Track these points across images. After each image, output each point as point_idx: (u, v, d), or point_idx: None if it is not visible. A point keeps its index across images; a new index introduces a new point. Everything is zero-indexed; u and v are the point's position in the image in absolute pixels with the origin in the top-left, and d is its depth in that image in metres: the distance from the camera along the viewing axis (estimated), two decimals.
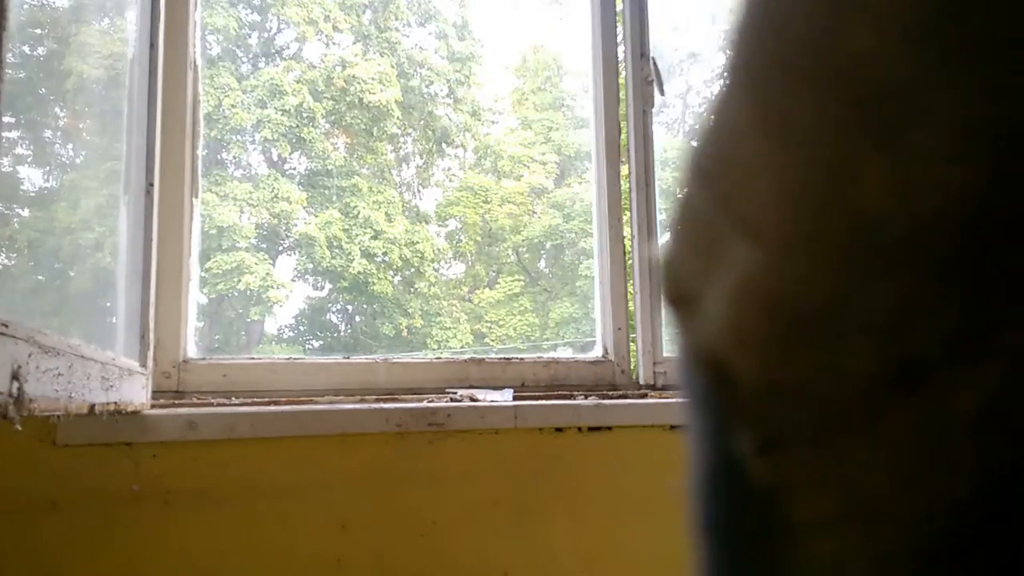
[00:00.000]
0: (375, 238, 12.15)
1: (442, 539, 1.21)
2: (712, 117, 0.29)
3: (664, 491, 1.34)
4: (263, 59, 13.39)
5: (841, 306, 0.24)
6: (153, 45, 1.17)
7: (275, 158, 12.75)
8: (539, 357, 1.49)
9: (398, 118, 13.01)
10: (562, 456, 1.29)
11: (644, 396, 1.44)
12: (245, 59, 13.42)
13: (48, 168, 1.07)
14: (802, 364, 0.25)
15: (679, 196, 0.30)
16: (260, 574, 1.14)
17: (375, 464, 1.20)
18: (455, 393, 1.35)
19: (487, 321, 12.93)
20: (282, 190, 11.96)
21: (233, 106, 12.03)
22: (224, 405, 1.23)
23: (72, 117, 1.10)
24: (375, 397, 1.32)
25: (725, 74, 0.28)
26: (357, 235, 12.08)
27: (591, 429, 1.31)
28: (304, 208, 12.32)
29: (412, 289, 12.78)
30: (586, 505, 1.29)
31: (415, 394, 1.36)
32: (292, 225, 12.37)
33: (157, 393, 1.22)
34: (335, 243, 11.98)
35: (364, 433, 1.20)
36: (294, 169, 12.95)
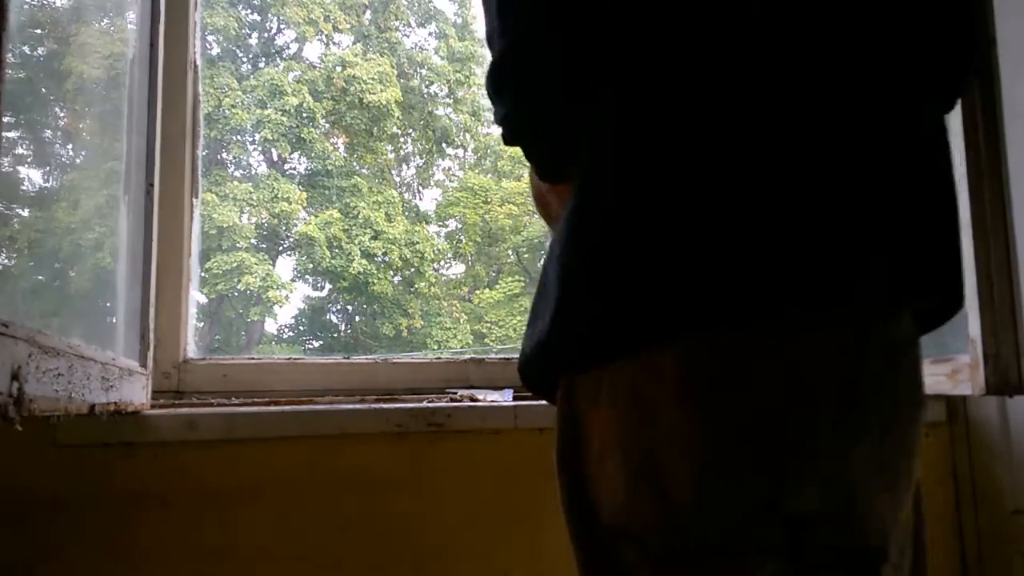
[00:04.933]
0: (375, 238, 12.14)
1: (442, 539, 1.21)
2: None
3: None
4: (263, 59, 13.40)
5: None
6: (153, 45, 1.17)
7: (275, 158, 12.75)
8: None
9: (398, 118, 13.01)
10: None
11: None
12: (245, 59, 13.43)
13: (48, 168, 1.07)
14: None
15: None
16: (260, 574, 1.14)
17: (375, 464, 1.20)
18: (455, 393, 1.35)
19: (487, 321, 12.94)
20: (282, 190, 11.95)
21: (233, 106, 12.03)
22: (224, 405, 1.23)
23: (72, 117, 1.10)
24: (375, 397, 1.32)
25: None
26: (357, 235, 12.07)
27: None
28: (304, 208, 12.31)
29: (412, 289, 12.77)
30: None
31: (415, 394, 1.36)
32: (292, 225, 12.37)
33: (157, 393, 1.22)
34: (335, 243, 11.97)
35: (364, 433, 1.20)
36: (294, 169, 12.95)
